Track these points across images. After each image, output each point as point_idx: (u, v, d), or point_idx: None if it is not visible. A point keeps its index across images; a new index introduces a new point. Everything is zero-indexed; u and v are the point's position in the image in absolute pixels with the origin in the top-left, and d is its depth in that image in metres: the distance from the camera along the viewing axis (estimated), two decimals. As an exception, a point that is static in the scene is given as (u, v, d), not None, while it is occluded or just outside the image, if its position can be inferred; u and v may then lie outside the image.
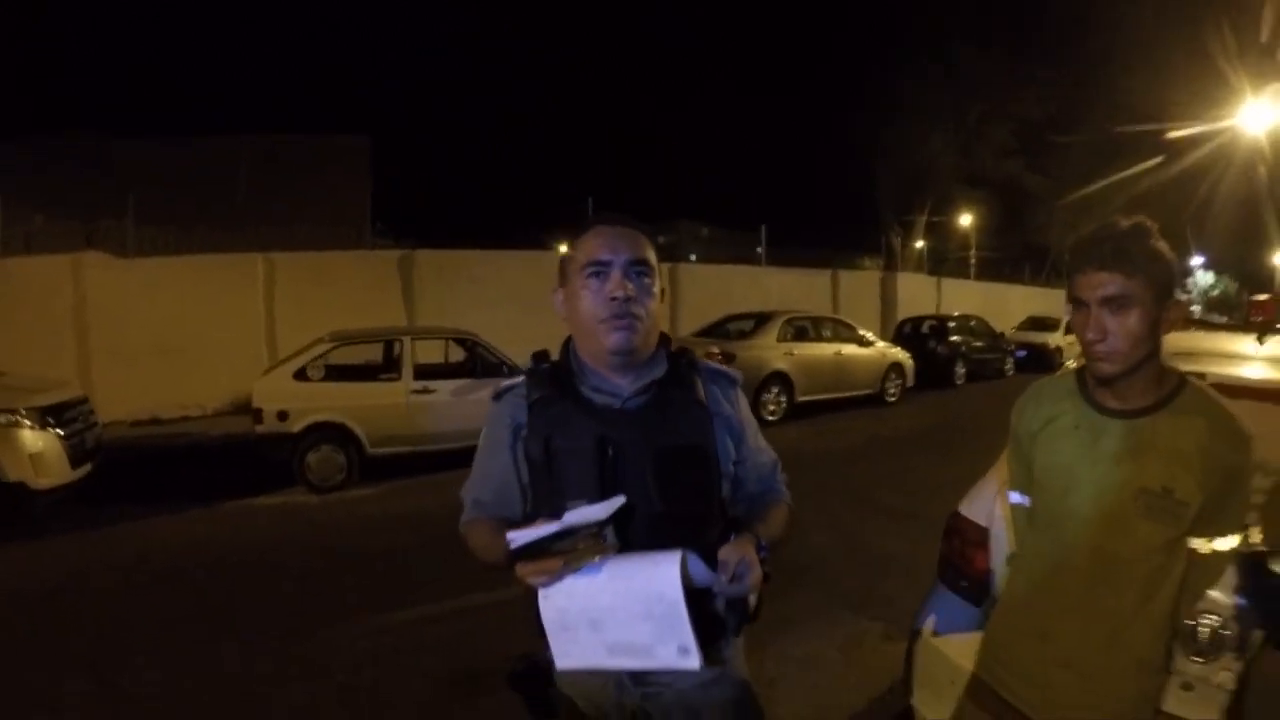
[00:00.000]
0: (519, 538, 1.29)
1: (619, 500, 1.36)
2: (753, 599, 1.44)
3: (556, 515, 1.31)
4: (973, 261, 29.42)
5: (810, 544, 4.96)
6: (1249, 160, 21.15)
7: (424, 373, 8.14)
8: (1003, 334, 19.75)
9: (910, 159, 22.31)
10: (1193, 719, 1.91)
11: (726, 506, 1.61)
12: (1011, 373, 18.34)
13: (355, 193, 21.03)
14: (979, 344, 17.18)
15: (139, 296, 10.54)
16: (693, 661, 1.30)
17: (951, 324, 17.27)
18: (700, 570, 1.32)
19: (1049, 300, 29.20)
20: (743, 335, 11.66)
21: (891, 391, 13.23)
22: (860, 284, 20.55)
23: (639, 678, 1.56)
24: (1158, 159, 22.14)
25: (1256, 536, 1.59)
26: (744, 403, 1.70)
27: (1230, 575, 1.75)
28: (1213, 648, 1.94)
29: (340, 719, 3.37)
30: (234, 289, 11.36)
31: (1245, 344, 3.20)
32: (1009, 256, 30.44)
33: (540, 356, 1.66)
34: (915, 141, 21.92)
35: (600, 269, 1.48)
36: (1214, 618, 1.93)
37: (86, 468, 6.36)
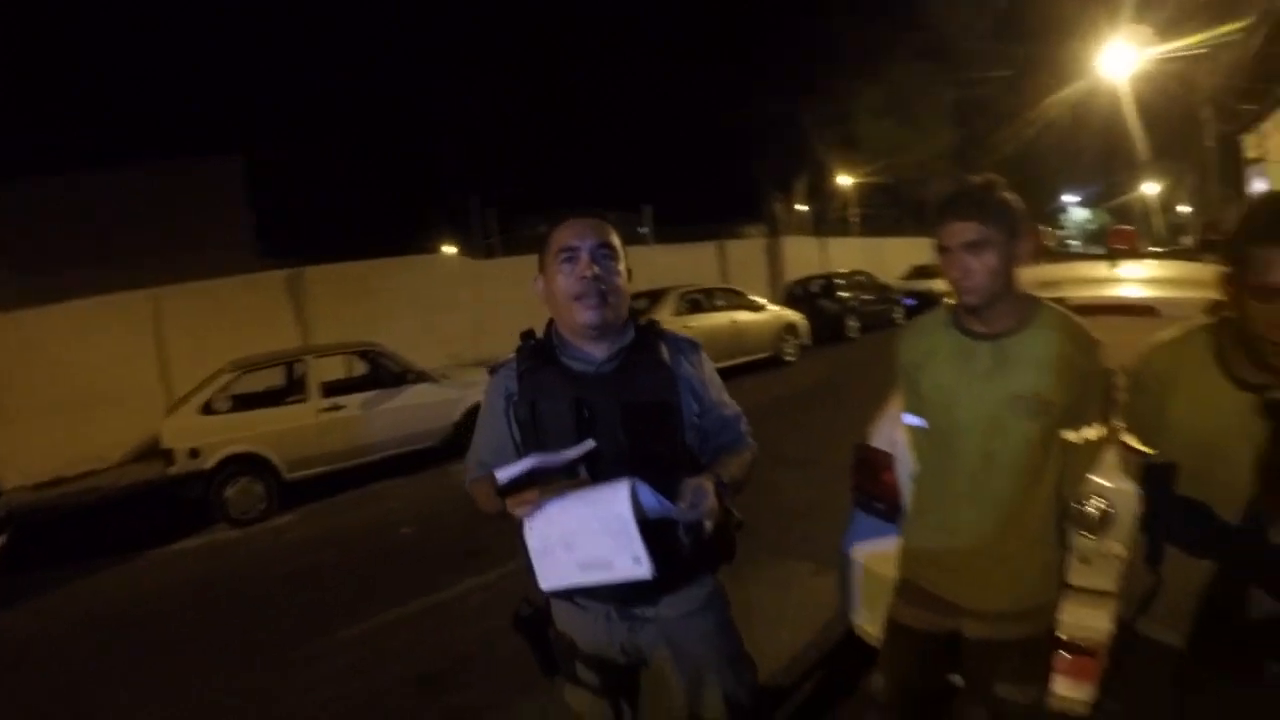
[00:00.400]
0: (505, 473, 1.54)
1: (589, 444, 1.62)
2: (709, 525, 1.60)
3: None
4: (854, 220, 30.45)
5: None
6: (1112, 102, 22.73)
7: (330, 390, 8.03)
8: (889, 285, 20.31)
9: (787, 127, 22.92)
10: (1092, 587, 2.26)
11: (695, 454, 1.84)
12: (902, 320, 18.61)
13: (232, 215, 20.36)
14: (868, 297, 17.74)
15: (20, 353, 10.05)
16: (644, 570, 1.50)
17: (839, 281, 17.76)
18: (649, 495, 1.52)
19: (927, 249, 30.79)
20: (638, 314, 11.76)
21: (789, 351, 13.61)
22: (747, 252, 20.93)
23: (624, 612, 1.83)
24: (1026, 110, 23.43)
25: (1120, 426, 1.90)
26: (708, 365, 1.96)
27: (1117, 467, 2.02)
28: (1102, 525, 2.31)
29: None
30: (121, 331, 10.89)
31: (1105, 269, 3.57)
32: (888, 212, 31.69)
33: (527, 335, 1.92)
34: (791, 111, 22.49)
35: (571, 254, 1.74)
36: (1101, 500, 2.30)
37: (1, 540, 6.18)
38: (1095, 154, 27.02)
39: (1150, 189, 33.95)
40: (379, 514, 6.92)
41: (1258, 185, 23.73)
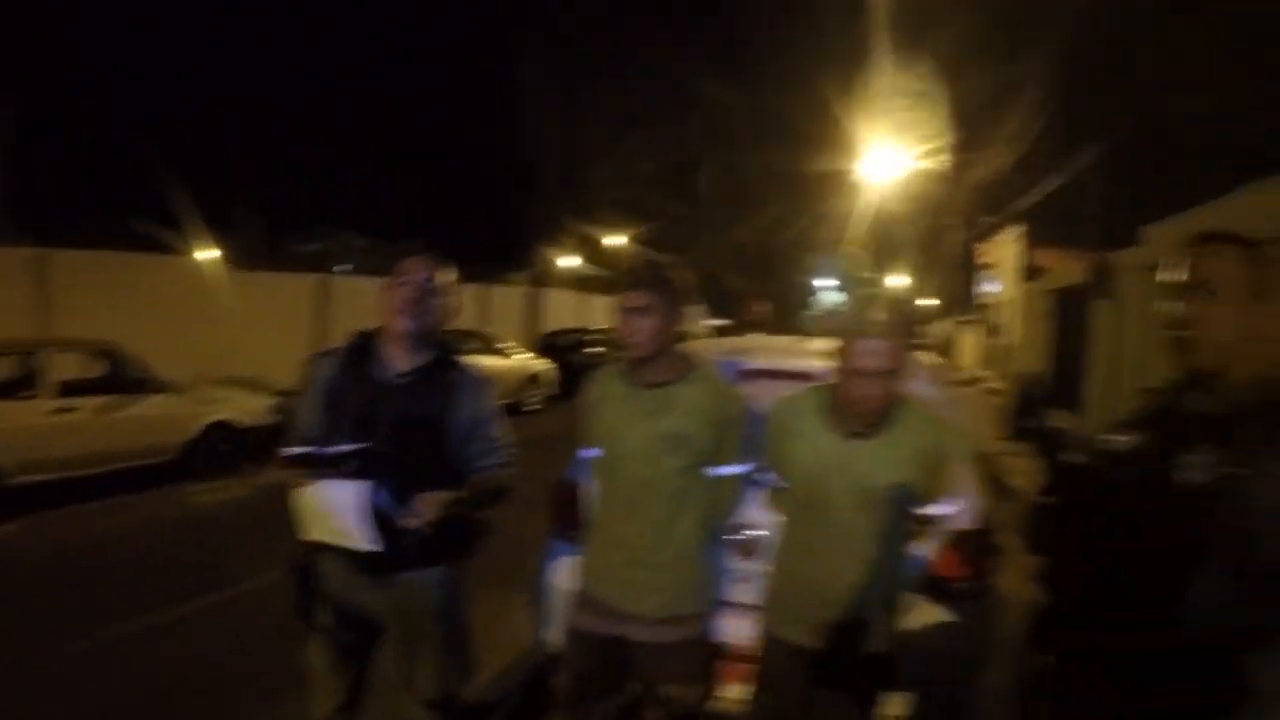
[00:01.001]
0: (289, 453, 2.27)
1: (361, 445, 2.21)
2: (424, 530, 2.15)
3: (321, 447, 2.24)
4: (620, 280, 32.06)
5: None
6: (869, 199, 25.86)
7: (65, 389, 7.17)
8: None
9: (565, 180, 23.76)
10: (745, 601, 2.56)
11: (457, 468, 2.33)
12: None
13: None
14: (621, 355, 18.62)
15: None
16: (373, 545, 2.13)
17: (589, 336, 18.29)
18: (381, 497, 2.13)
19: (686, 315, 32.80)
20: (448, 346, 11.73)
21: (532, 400, 14.00)
22: (510, 299, 21.16)
23: (371, 577, 2.30)
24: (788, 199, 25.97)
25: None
26: (490, 399, 2.47)
27: (758, 498, 2.45)
28: (751, 551, 2.65)
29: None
30: None
31: (794, 342, 3.89)
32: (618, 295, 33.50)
33: (360, 335, 2.42)
34: (570, 165, 23.33)
35: (407, 280, 2.30)
36: (752, 530, 2.63)
37: None
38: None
39: (899, 281, 38.22)
40: (108, 528, 6.46)
41: (986, 287, 27.66)
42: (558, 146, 22.93)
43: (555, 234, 26.07)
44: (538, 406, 13.98)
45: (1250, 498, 1.42)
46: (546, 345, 17.82)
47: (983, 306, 27.03)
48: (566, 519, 3.08)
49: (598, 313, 24.96)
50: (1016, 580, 2.33)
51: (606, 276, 30.84)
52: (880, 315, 2.10)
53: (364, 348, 2.37)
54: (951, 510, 2.51)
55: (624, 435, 2.34)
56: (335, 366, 2.36)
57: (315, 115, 23.70)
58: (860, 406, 2.14)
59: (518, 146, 22.54)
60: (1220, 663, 1.45)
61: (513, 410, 13.36)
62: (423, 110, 22.76)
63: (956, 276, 26.55)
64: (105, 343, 8.06)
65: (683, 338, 2.38)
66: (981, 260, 26.84)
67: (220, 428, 8.18)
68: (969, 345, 27.09)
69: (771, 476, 2.42)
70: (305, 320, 14.28)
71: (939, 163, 20.86)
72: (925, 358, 3.88)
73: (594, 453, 2.48)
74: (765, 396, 2.48)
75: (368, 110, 23.67)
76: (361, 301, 14.91)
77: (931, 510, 2.30)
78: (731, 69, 24.79)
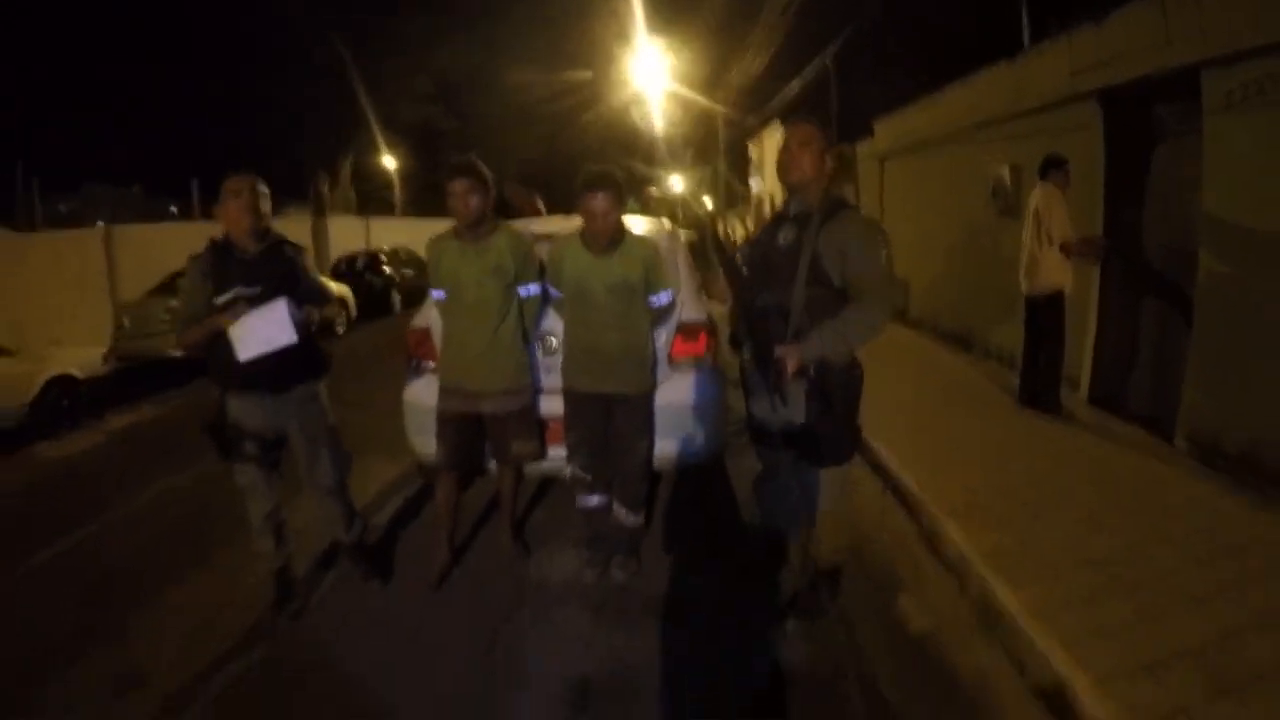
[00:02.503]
0: (222, 300, 3.11)
1: (259, 289, 3.14)
2: (313, 326, 3.35)
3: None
4: (398, 201, 31.43)
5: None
6: (642, 108, 26.71)
7: None
8: None
9: (333, 110, 23.10)
10: (553, 387, 3.77)
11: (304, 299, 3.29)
12: None
13: None
14: (410, 272, 18.38)
15: None
16: (293, 338, 3.08)
17: (383, 257, 18.27)
18: (293, 307, 3.10)
19: None
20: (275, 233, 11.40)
21: (338, 323, 13.96)
22: (292, 229, 19.99)
23: (271, 397, 3.28)
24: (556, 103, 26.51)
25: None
26: (309, 261, 3.50)
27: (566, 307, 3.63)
28: (554, 350, 3.88)
29: None
30: None
31: (560, 220, 4.93)
32: (429, 195, 33.39)
33: (214, 240, 3.26)
34: (337, 93, 22.70)
35: (238, 194, 3.18)
36: (553, 338, 3.90)
37: None
38: (632, 152, 31.61)
39: (676, 183, 39.51)
40: None
41: (754, 181, 29.71)
42: (326, 75, 22.18)
43: (331, 163, 25.31)
44: (342, 328, 14.01)
45: (814, 247, 2.79)
46: (339, 271, 17.54)
47: (756, 201, 29.23)
48: (420, 353, 4.22)
49: (380, 234, 24.68)
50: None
51: (386, 197, 30.32)
52: (599, 181, 3.31)
53: (223, 245, 3.26)
54: (666, 299, 3.66)
55: (463, 273, 3.46)
56: (206, 262, 3.22)
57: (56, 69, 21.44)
58: (598, 234, 3.37)
59: (284, 82, 21.59)
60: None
61: (325, 331, 13.40)
62: (179, 55, 21.12)
63: (730, 175, 28.38)
64: None
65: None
66: (752, 158, 28.96)
67: (60, 382, 7.95)
68: (741, 234, 29.09)
69: (554, 291, 3.66)
70: (93, 276, 13.48)
71: (702, 70, 22.09)
72: (654, 221, 5.30)
73: (439, 294, 3.60)
74: (542, 250, 3.71)
75: (113, 59, 21.65)
76: (146, 250, 14.27)
77: (654, 300, 3.59)
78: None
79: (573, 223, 3.73)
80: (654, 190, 33.94)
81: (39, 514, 5.60)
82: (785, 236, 2.93)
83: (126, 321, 11.36)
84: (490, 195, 3.47)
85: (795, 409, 2.89)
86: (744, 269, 3.07)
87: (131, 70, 21.96)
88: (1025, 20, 9.65)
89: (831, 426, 2.88)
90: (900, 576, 3.75)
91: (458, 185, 3.37)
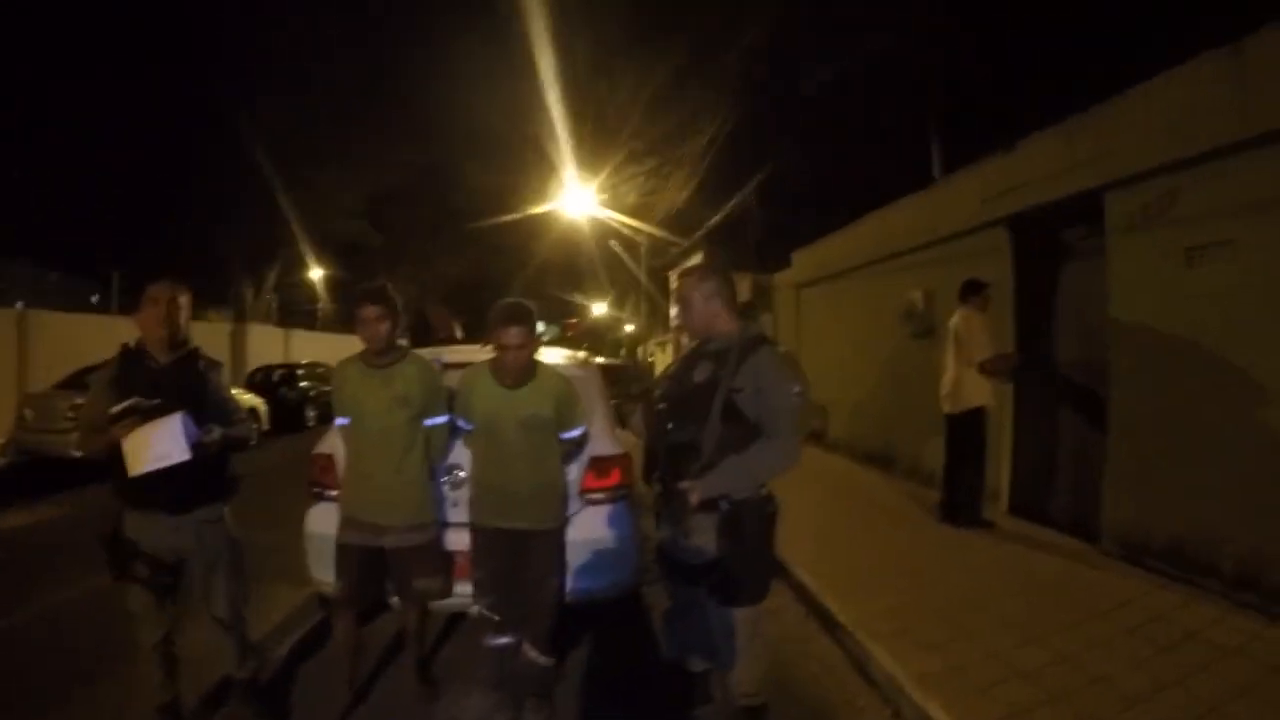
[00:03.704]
0: (115, 410, 2.93)
1: (157, 403, 2.96)
2: (212, 449, 3.07)
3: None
4: (320, 314, 31.21)
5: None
6: (569, 234, 27.25)
7: None
8: None
9: (261, 216, 22.89)
10: (459, 521, 3.69)
11: (218, 420, 3.15)
12: None
13: None
14: (327, 389, 17.44)
15: None
16: (186, 455, 2.87)
17: (300, 371, 18.01)
18: (190, 424, 2.94)
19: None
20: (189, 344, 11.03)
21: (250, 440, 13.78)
22: (211, 335, 20.21)
23: (171, 517, 3.05)
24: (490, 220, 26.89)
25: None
26: (223, 377, 3.36)
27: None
28: (460, 483, 3.80)
29: None
30: None
31: (475, 350, 4.70)
32: (353, 309, 33.09)
33: (125, 346, 3.13)
34: (266, 200, 22.57)
35: (156, 302, 3.07)
36: (459, 471, 3.81)
37: None
38: (558, 278, 32.07)
39: (599, 309, 40.05)
40: None
41: (675, 311, 30.37)
42: (253, 181, 22.09)
43: (255, 271, 25.00)
44: (253, 442, 13.53)
45: (729, 384, 2.82)
46: (254, 381, 17.23)
47: (675, 328, 29.79)
48: (323, 481, 4.12)
49: (301, 346, 24.26)
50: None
51: (309, 309, 29.95)
52: (514, 315, 3.28)
53: (134, 352, 3.14)
54: (578, 434, 3.64)
55: (367, 401, 3.39)
56: (114, 369, 3.10)
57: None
58: (510, 368, 3.32)
59: (210, 183, 21.44)
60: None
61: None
62: (104, 140, 20.87)
63: (651, 300, 28.98)
64: None
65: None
66: (673, 286, 29.65)
67: None
68: (663, 363, 29.61)
69: (463, 423, 3.58)
70: (1, 359, 12.87)
71: (627, 198, 22.81)
72: (567, 354, 5.29)
73: (343, 420, 3.52)
74: (453, 378, 3.64)
75: (38, 130, 21.25)
76: (60, 339, 13.86)
77: (565, 435, 3.56)
78: (426, 108, 25.35)
79: (485, 352, 3.72)
80: (574, 321, 34.46)
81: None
82: (700, 373, 2.96)
83: (28, 413, 10.85)
84: (399, 323, 3.42)
85: (706, 544, 2.86)
86: (661, 404, 3.09)
87: (60, 152, 21.46)
88: (935, 156, 10.29)
89: (744, 563, 2.84)
90: (832, 705, 3.67)
91: (368, 311, 3.32)
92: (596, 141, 21.57)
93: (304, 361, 19.43)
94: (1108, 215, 5.34)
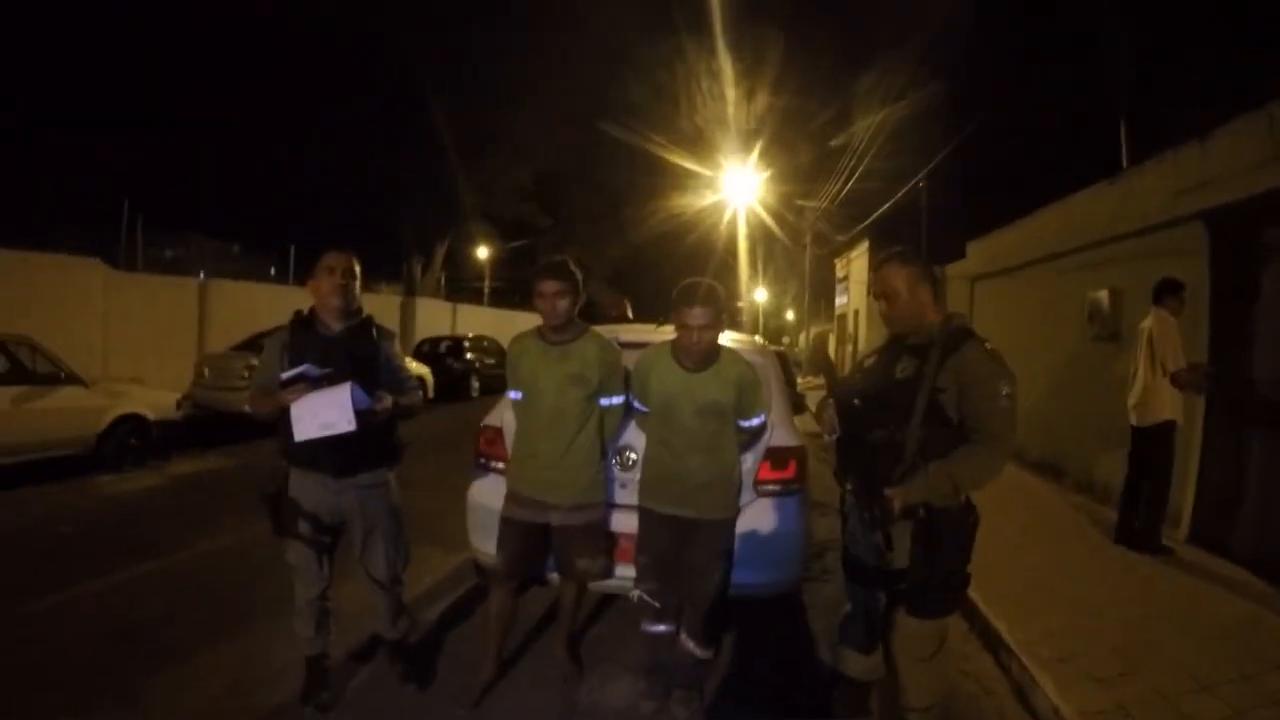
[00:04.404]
0: (285, 375, 2.93)
1: (330, 370, 2.95)
2: (382, 416, 3.06)
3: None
4: (486, 290, 32.26)
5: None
6: (728, 221, 27.17)
7: None
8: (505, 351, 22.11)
9: (434, 195, 23.89)
10: (627, 503, 3.58)
11: (388, 386, 3.16)
12: None
13: None
14: (491, 361, 18.45)
15: None
16: (350, 426, 2.85)
17: (466, 344, 18.58)
18: (359, 394, 2.92)
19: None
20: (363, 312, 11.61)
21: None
22: (381, 307, 20.81)
23: (335, 481, 3.09)
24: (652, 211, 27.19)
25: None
26: (395, 347, 3.37)
27: (643, 422, 3.46)
28: (631, 464, 3.70)
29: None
30: None
31: (649, 329, 4.67)
32: (519, 286, 34.33)
33: (298, 313, 3.18)
34: (439, 179, 23.52)
35: (331, 270, 3.11)
36: (631, 453, 3.71)
37: None
38: (719, 261, 32.17)
39: (760, 296, 39.99)
40: (32, 514, 6.41)
41: (840, 298, 29.36)
42: (426, 160, 23.08)
43: (426, 247, 26.17)
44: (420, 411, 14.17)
45: (933, 383, 2.59)
46: (422, 352, 18.00)
47: (840, 317, 29.09)
48: (490, 452, 4.06)
49: (466, 320, 25.24)
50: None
51: (476, 286, 31.14)
52: (699, 294, 3.11)
53: (306, 321, 3.18)
54: (759, 422, 3.44)
55: (542, 377, 3.29)
56: (287, 335, 3.14)
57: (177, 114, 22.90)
58: (693, 350, 3.16)
59: (385, 161, 22.58)
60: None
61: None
62: (292, 124, 22.38)
63: (815, 290, 28.43)
64: (17, 335, 7.94)
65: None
66: (840, 274, 29.01)
67: (129, 420, 8.27)
68: (829, 351, 29.02)
69: (638, 404, 3.45)
70: (184, 323, 14.16)
71: (793, 186, 22.42)
72: (746, 336, 5.17)
73: (516, 395, 3.45)
74: (631, 358, 3.50)
75: (230, 119, 23.02)
76: (237, 306, 14.84)
77: (745, 423, 3.35)
78: (599, 90, 25.68)
79: (661, 332, 3.64)
80: (742, 305, 34.02)
81: (82, 548, 5.59)
82: (903, 369, 2.74)
83: (207, 371, 11.79)
84: (579, 299, 3.31)
85: (900, 552, 2.69)
86: (856, 400, 2.85)
87: (243, 131, 23.25)
88: (1124, 141, 9.44)
89: (937, 574, 2.63)
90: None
91: (548, 286, 3.21)
92: (765, 127, 21.23)
93: (470, 335, 20.05)
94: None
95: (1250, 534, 5.44)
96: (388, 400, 3.10)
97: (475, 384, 17.78)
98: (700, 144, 22.90)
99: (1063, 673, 3.62)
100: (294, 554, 3.18)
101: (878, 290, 2.85)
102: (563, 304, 3.23)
